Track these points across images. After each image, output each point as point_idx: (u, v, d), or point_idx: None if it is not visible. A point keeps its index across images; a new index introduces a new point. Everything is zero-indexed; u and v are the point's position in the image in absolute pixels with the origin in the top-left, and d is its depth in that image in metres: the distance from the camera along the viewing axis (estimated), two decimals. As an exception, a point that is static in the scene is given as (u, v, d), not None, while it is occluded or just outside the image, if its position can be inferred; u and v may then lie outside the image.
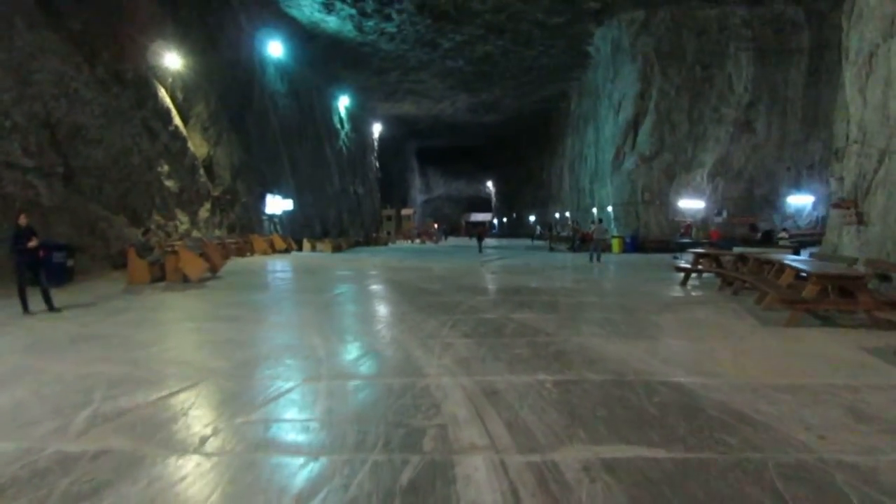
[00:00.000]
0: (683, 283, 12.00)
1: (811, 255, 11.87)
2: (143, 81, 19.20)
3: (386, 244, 44.73)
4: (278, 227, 31.00)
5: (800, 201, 29.40)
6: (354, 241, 40.31)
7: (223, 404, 4.42)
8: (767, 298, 8.18)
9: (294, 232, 33.05)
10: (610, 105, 33.10)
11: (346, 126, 46.15)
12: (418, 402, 4.40)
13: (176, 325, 8.05)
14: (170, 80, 21.27)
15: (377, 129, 54.36)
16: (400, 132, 61.57)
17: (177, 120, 21.42)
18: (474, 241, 49.56)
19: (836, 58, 29.27)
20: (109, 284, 12.32)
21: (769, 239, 18.30)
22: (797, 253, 13.78)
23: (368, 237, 43.73)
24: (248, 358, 5.82)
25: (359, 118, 49.53)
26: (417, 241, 53.17)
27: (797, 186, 29.37)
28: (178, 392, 4.68)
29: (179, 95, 22.21)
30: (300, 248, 30.44)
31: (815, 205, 29.36)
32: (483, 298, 9.96)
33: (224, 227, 24.46)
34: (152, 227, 19.41)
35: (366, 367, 5.52)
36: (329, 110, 42.41)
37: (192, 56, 22.55)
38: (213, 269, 13.76)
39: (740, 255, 10.77)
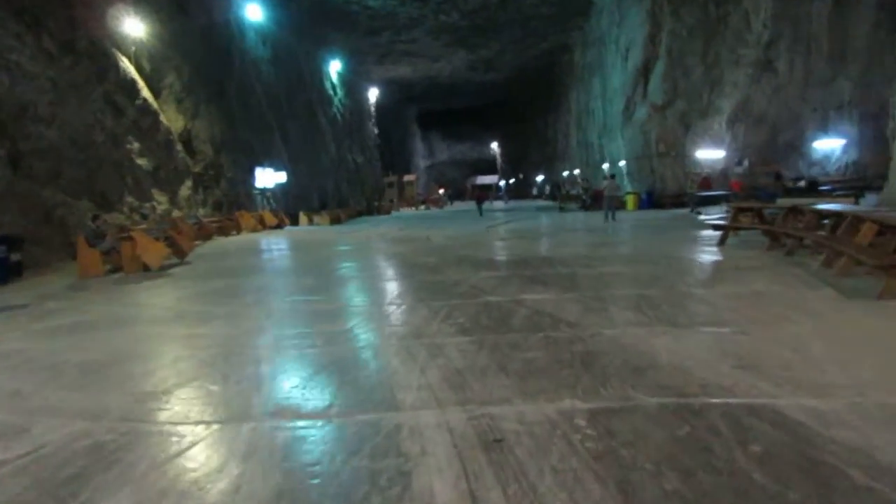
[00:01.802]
0: (721, 242, 10.25)
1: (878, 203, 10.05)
2: (99, 51, 17.33)
3: (389, 213, 43.03)
4: (271, 201, 29.33)
5: (828, 145, 27.24)
6: (356, 212, 38.62)
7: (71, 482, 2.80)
8: (842, 261, 6.46)
9: (290, 205, 31.38)
10: (617, 52, 30.84)
11: (340, 92, 44.05)
12: (378, 467, 2.75)
13: (100, 332, 6.41)
14: (133, 48, 19.39)
15: (374, 94, 52.14)
16: (398, 97, 59.28)
17: (145, 92, 19.61)
18: (484, 205, 47.94)
19: (863, -16, 26.87)
20: (60, 279, 10.73)
21: (814, 187, 16.35)
22: (857, 201, 11.91)
23: (370, 206, 41.99)
24: (145, 392, 4.19)
25: (353, 84, 47.35)
26: (422, 207, 51.42)
27: (824, 130, 27.19)
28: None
29: (146, 66, 20.35)
30: (296, 223, 28.82)
31: (845, 148, 27.22)
32: (487, 274, 8.27)
33: (209, 206, 22.81)
34: (128, 210, 17.81)
35: (315, 395, 3.86)
36: (320, 76, 40.30)
37: (157, 23, 20.64)
38: (181, 254, 12.13)
39: (792, 208, 8.98)
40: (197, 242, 16.52)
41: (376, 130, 53.74)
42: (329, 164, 39.78)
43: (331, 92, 42.16)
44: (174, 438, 3.25)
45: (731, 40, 26.49)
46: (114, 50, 18.10)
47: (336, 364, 4.48)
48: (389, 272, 9.60)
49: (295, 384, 4.07)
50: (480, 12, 35.45)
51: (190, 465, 2.94)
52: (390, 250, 13.38)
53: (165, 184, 20.19)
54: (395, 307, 6.44)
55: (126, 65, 18.74)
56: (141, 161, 18.94)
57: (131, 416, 3.66)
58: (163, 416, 3.64)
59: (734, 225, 10.22)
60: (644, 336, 4.72)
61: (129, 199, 18.17)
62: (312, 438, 3.15)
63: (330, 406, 3.61)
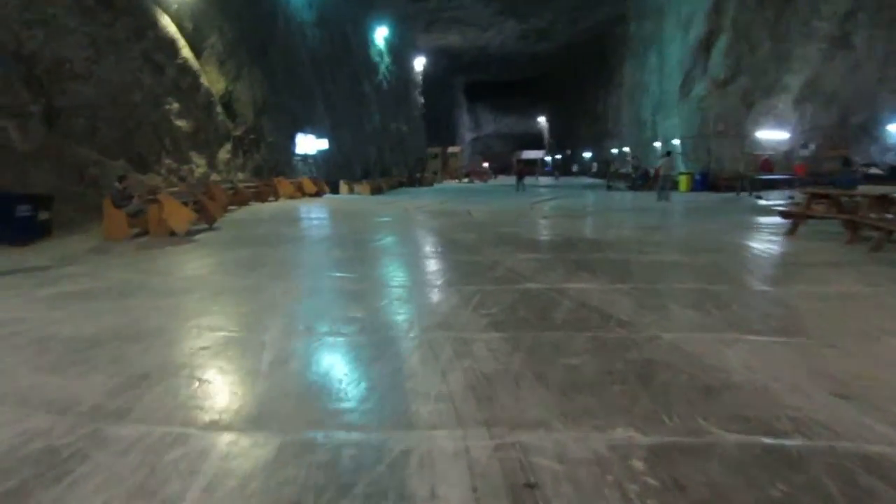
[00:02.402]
0: (792, 232, 9.23)
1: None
2: (139, 8, 16.88)
3: (431, 184, 42.29)
4: (312, 168, 28.93)
5: (904, 130, 25.27)
6: (397, 182, 38.03)
7: None
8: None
9: (331, 173, 30.94)
10: (677, 23, 29.15)
11: (386, 59, 43.18)
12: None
13: (106, 302, 5.91)
14: (174, 6, 18.92)
15: (420, 63, 51.07)
16: (445, 66, 58.05)
17: (186, 52, 19.17)
18: (528, 181, 46.74)
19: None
20: (87, 240, 10.40)
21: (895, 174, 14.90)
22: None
23: (412, 177, 41.32)
24: (125, 380, 3.62)
25: (400, 51, 46.38)
26: (465, 180, 50.52)
27: (901, 112, 25.20)
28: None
29: (188, 25, 19.88)
30: (336, 191, 28.38)
31: (922, 133, 25.21)
32: (527, 256, 7.50)
33: (248, 170, 22.48)
34: (161, 171, 17.54)
35: (314, 403, 3.22)
36: (366, 42, 39.49)
37: (201, -22, 20.12)
38: (210, 220, 11.70)
39: (880, 197, 7.92)
40: (232, 207, 16.16)
41: (422, 100, 52.80)
42: (372, 133, 39.17)
43: (377, 59, 41.34)
44: (138, 449, 2.65)
45: (804, 12, 24.62)
46: (154, 6, 17.66)
47: (345, 361, 3.84)
48: (423, 249, 8.93)
49: (293, 386, 3.44)
50: (534, -22, 34.01)
51: (150, 484, 2.34)
52: (427, 224, 12.71)
53: (204, 146, 19.86)
54: (423, 291, 5.78)
55: (167, 22, 18.30)
56: (180, 122, 18.60)
57: (102, 411, 3.09)
58: (135, 414, 3.06)
59: (807, 213, 9.17)
60: (712, 344, 3.93)
61: (167, 160, 17.88)
62: (297, 466, 2.51)
63: (325, 420, 2.96)
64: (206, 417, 3.00)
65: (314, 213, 16.24)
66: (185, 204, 11.21)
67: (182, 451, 2.63)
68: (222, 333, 4.45)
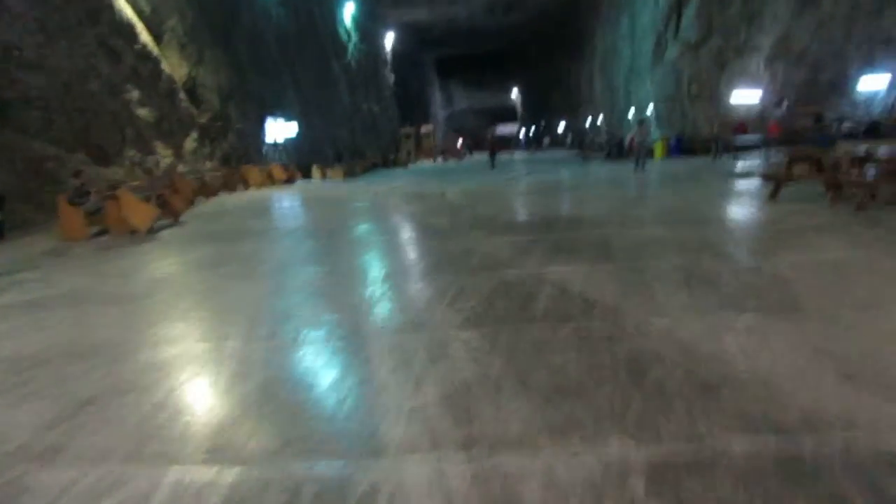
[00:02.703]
0: (773, 195, 9.00)
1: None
2: (88, -11, 16.11)
3: (406, 165, 41.72)
4: (283, 154, 28.26)
5: (872, 85, 25.20)
6: (371, 165, 37.39)
7: None
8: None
9: (302, 158, 30.28)
10: (648, -14, 28.72)
11: (355, 37, 42.20)
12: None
13: (55, 314, 5.48)
14: (129, -12, 18.12)
15: (390, 39, 50.06)
16: (415, 43, 57.05)
17: (144, 36, 18.41)
18: (503, 157, 46.22)
19: None
20: (42, 242, 9.88)
21: (875, 130, 14.71)
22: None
23: (386, 159, 40.67)
24: (62, 410, 3.26)
25: (368, 29, 45.36)
26: (440, 159, 49.95)
27: (870, 65, 25.11)
28: None
29: (145, 8, 19.08)
30: (308, 177, 27.78)
31: (891, 87, 25.20)
32: (503, 240, 7.18)
33: (217, 159, 21.83)
34: (123, 165, 16.92)
35: (274, 429, 2.88)
36: (333, 20, 38.49)
37: (156, -41, 19.24)
38: (174, 215, 11.20)
39: (866, 156, 7.69)
40: (199, 199, 15.62)
41: (393, 78, 51.87)
42: (343, 115, 38.39)
43: (345, 37, 40.37)
44: (64, 502, 2.31)
45: (772, -30, 24.31)
46: (106, -10, 16.86)
47: (311, 375, 3.50)
48: (396, 237, 8.55)
49: (253, 407, 3.10)
50: (500, -53, 33.22)
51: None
52: (401, 209, 12.33)
53: (169, 136, 19.19)
54: (397, 285, 5.43)
55: (122, 5, 17.49)
56: (141, 111, 17.91)
57: (30, 450, 2.74)
58: (69, 451, 2.71)
59: (788, 175, 8.94)
60: (706, 329, 3.66)
61: (130, 152, 17.23)
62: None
63: (287, 448, 2.64)
64: (153, 450, 2.66)
65: (284, 202, 15.74)
66: (147, 199, 10.70)
67: (118, 499, 2.30)
68: (179, 345, 4.09)
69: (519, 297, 4.62)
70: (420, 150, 51.28)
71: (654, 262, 5.48)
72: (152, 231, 9.98)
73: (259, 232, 9.86)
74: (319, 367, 3.55)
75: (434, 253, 6.86)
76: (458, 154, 51.95)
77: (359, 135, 41.22)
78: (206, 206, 14.57)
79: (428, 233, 8.56)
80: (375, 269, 6.30)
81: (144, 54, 18.21)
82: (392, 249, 7.47)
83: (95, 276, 6.81)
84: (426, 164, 45.25)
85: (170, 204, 11.19)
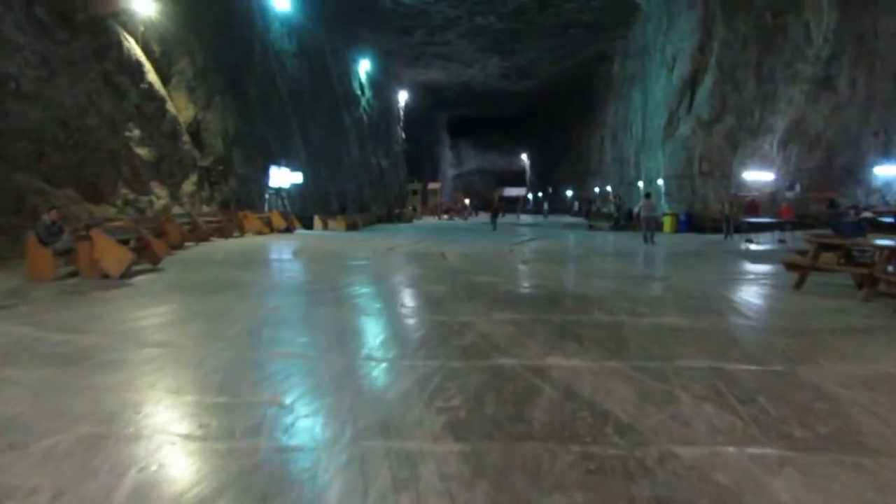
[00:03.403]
0: (798, 286, 8.27)
1: None
2: (100, 27, 15.91)
3: (410, 220, 41.36)
4: (286, 202, 27.81)
5: (889, 172, 24.87)
6: (375, 218, 37.03)
7: None
8: None
9: (306, 208, 29.86)
10: (662, 62, 28.83)
11: (368, 93, 42.56)
12: None
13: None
14: (141, 28, 17.98)
15: (403, 97, 50.61)
16: (428, 102, 57.72)
17: (151, 76, 18.17)
18: (509, 218, 45.93)
19: (939, -1, 24.52)
20: (6, 280, 9.13)
21: None
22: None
23: (391, 213, 40.33)
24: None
25: (382, 85, 45.85)
26: (445, 217, 49.71)
27: (886, 155, 24.82)
28: None
29: (156, 48, 18.94)
30: (310, 226, 27.24)
31: (907, 176, 24.86)
32: (502, 317, 6.42)
33: (215, 203, 21.32)
34: (115, 203, 16.37)
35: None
36: (347, 75, 38.83)
37: (171, 3, 19.20)
38: (154, 259, 10.50)
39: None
40: (189, 244, 14.96)
41: (403, 135, 52.18)
42: (351, 167, 38.25)
43: (358, 92, 40.68)
44: None
45: (788, 54, 24.34)
46: (117, 27, 16.68)
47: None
48: (385, 304, 7.76)
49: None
50: (518, 16, 33.70)
51: None
52: (396, 269, 11.63)
53: (168, 177, 18.72)
54: (370, 369, 4.64)
55: (131, 44, 17.31)
56: (141, 151, 17.49)
57: None
58: None
59: (814, 265, 8.23)
60: (749, 466, 2.86)
61: (124, 190, 16.70)
62: None
63: None
64: None
65: (277, 253, 15.04)
66: (126, 242, 10.02)
67: None
68: (84, 426, 3.28)
69: (514, 397, 3.83)
70: (426, 206, 51.16)
71: (673, 361, 4.70)
72: (126, 276, 9.24)
73: (241, 285, 9.10)
74: (252, 498, 2.74)
75: (424, 327, 6.09)
76: (462, 213, 51.77)
77: (365, 188, 41.02)
78: (193, 251, 13.89)
79: (422, 301, 7.82)
80: (353, 343, 5.51)
81: (150, 94, 17.92)
82: (379, 319, 6.70)
83: (41, 327, 6.02)
84: (431, 220, 44.97)
85: (151, 247, 10.49)
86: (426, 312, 6.95)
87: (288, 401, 3.85)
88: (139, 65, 17.54)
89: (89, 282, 8.96)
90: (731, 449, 3.08)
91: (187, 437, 3.26)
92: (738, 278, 10.04)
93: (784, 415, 3.56)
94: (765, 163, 25.30)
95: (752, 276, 10.27)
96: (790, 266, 8.60)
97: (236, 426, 3.40)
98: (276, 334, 5.80)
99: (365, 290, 8.87)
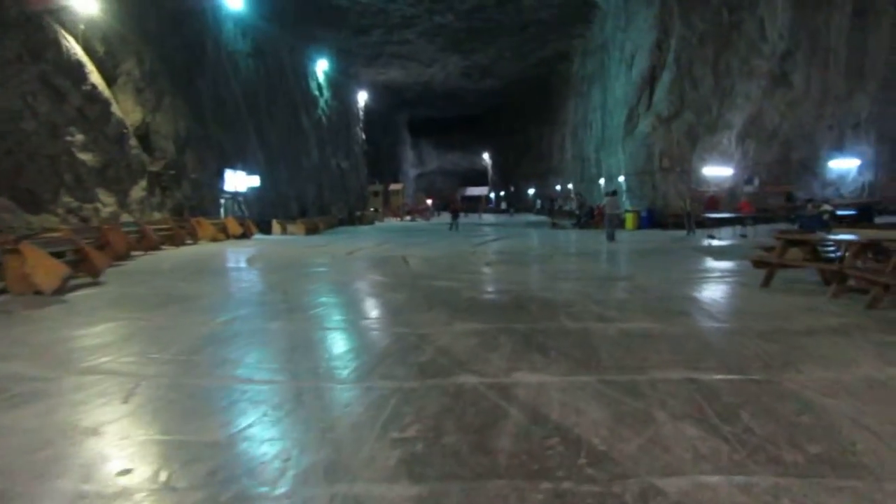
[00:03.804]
0: (766, 283, 8.11)
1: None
2: (35, 24, 15.04)
3: (372, 222, 40.78)
4: (242, 206, 27.02)
5: (843, 165, 25.38)
6: (336, 221, 36.35)
7: None
8: None
9: (265, 212, 29.09)
10: (621, 59, 28.89)
11: (326, 93, 41.83)
12: None
13: None
14: (81, 27, 17.12)
15: (363, 97, 49.93)
16: (389, 102, 57.14)
17: (95, 77, 17.32)
18: (471, 218, 45.72)
19: (886, -4, 25.09)
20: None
21: (868, 215, 14.06)
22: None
23: (352, 215, 39.68)
24: None
25: (341, 85, 45.14)
26: (408, 218, 49.25)
27: (840, 149, 25.32)
28: None
29: (99, 48, 18.10)
30: (268, 231, 26.51)
31: (860, 169, 25.39)
32: (464, 327, 6.04)
33: (167, 209, 20.50)
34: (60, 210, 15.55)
35: None
36: (305, 75, 38.07)
37: (116, 1, 18.34)
38: (94, 271, 9.84)
39: (868, 244, 6.84)
40: (136, 253, 14.23)
41: (364, 136, 51.48)
42: (311, 169, 37.50)
43: (316, 92, 39.92)
44: None
45: (744, 50, 24.63)
46: (55, 25, 15.81)
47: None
48: (341, 317, 7.30)
49: None
50: (477, 13, 33.43)
51: None
52: (356, 276, 11.19)
53: (114, 183, 17.89)
54: (319, 393, 4.21)
55: (71, 44, 16.45)
56: (85, 156, 16.64)
57: None
58: None
59: (782, 262, 8.07)
60: (740, 500, 2.54)
61: (66, 198, 15.88)
62: None
63: None
64: None
65: (230, 261, 14.40)
66: (61, 254, 9.35)
67: None
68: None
69: (476, 423, 3.45)
70: (388, 207, 50.63)
71: (648, 373, 4.38)
72: (61, 292, 8.59)
73: (188, 298, 8.52)
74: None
75: (381, 341, 5.68)
76: (425, 214, 51.39)
77: (326, 190, 40.30)
78: (141, 261, 13.18)
79: (380, 312, 7.41)
80: (304, 363, 5.04)
81: (93, 96, 17.08)
82: (334, 334, 6.25)
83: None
84: (393, 221, 44.50)
85: (90, 259, 9.82)
86: (384, 324, 6.53)
87: (224, 437, 3.40)
88: (80, 65, 16.70)
89: (19, 299, 8.29)
90: (717, 479, 2.75)
91: (100, 493, 2.79)
92: (704, 276, 9.87)
93: (771, 433, 3.25)
94: (723, 158, 25.55)
95: (718, 274, 10.11)
96: (757, 263, 8.43)
97: (161, 471, 2.94)
98: (221, 354, 5.31)
99: (321, 300, 8.37)
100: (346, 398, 4.05)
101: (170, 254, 15.06)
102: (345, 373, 4.61)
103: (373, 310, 7.57)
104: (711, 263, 11.81)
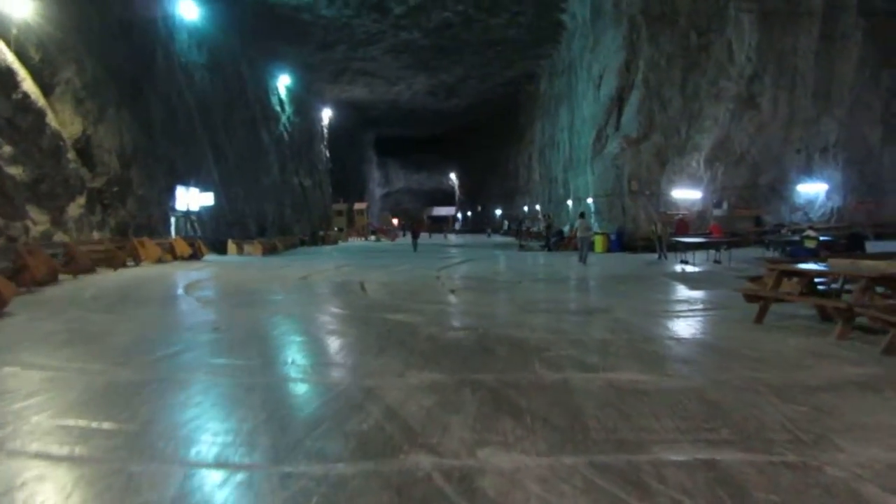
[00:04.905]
0: (759, 319, 7.27)
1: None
2: (-45, 26, 13.71)
3: (335, 242, 39.55)
4: (196, 225, 25.59)
5: (811, 190, 25.19)
6: (298, 241, 35.08)
7: None
8: None
9: (220, 231, 27.68)
10: (589, 79, 28.46)
11: (289, 109, 40.66)
12: None
13: None
14: (14, 31, 15.77)
15: (327, 114, 48.86)
16: (354, 120, 56.20)
17: (27, 86, 15.94)
18: (438, 239, 44.79)
19: (851, 20, 25.20)
20: None
21: (859, 243, 13.47)
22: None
23: (315, 235, 38.39)
24: None
25: (304, 101, 44.01)
26: (372, 237, 48.13)
27: (808, 173, 25.15)
28: None
29: (34, 55, 16.69)
30: (223, 251, 25.14)
31: (828, 194, 25.23)
32: (419, 379, 5.00)
33: (109, 228, 19.05)
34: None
35: None
36: (265, 90, 36.88)
37: (55, 5, 17.03)
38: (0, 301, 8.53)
39: (881, 277, 6.04)
40: (64, 278, 12.85)
41: (328, 154, 50.32)
42: (271, 187, 36.16)
43: (277, 108, 38.72)
44: None
45: (712, 72, 24.37)
46: (-20, 28, 14.49)
47: None
48: (267, 366, 6.07)
49: None
50: (443, 31, 32.81)
51: None
52: (301, 307, 10.04)
53: (48, 199, 16.43)
54: (219, 487, 3.12)
55: (0, 49, 15.09)
56: (14, 170, 15.22)
57: None
58: None
59: (776, 295, 7.24)
60: None
61: (-11, 216, 14.42)
62: None
63: None
64: None
65: (167, 287, 13.00)
66: (-43, 282, 8.05)
67: None
68: None
69: (426, 549, 2.42)
70: (353, 227, 49.46)
71: (649, 450, 3.41)
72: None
73: (96, 337, 7.25)
74: None
75: (315, 400, 4.61)
76: (390, 234, 50.33)
77: (287, 209, 38.97)
78: (64, 287, 11.82)
79: (320, 357, 6.31)
80: (207, 436, 3.94)
81: (25, 105, 15.71)
82: (255, 392, 5.07)
83: None
84: (358, 242, 43.34)
85: (-6, 288, 8.52)
86: (323, 374, 5.45)
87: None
88: (10, 72, 15.33)
89: None
90: None
91: None
92: (688, 309, 9.01)
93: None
94: (692, 181, 25.14)
95: (701, 306, 9.28)
96: (750, 297, 7.59)
97: None
98: (100, 420, 4.17)
99: (252, 341, 7.12)
100: (252, 496, 2.97)
101: (102, 278, 13.69)
102: (257, 452, 3.52)
103: (314, 354, 6.46)
104: (691, 293, 11.01)
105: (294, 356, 6.26)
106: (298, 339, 7.27)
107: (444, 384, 4.79)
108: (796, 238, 14.77)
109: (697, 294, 10.77)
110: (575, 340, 6.49)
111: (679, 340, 6.61)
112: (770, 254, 17.37)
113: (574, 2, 28.80)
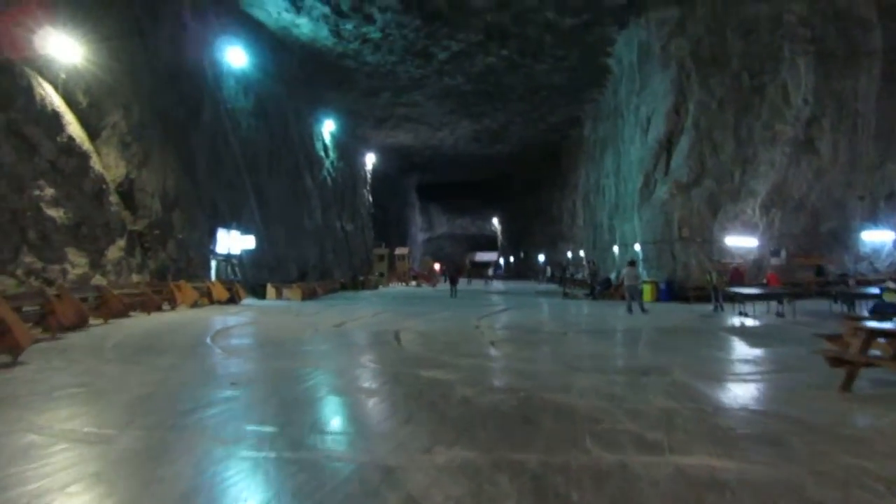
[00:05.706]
0: (846, 387, 6.28)
1: None
2: (4, 70, 13.91)
3: (376, 287, 39.18)
4: (236, 269, 25.50)
5: (877, 238, 23.63)
6: (338, 285, 34.82)
7: None
8: None
9: (260, 275, 27.58)
10: (636, 123, 27.74)
11: (333, 154, 41.04)
12: None
13: None
14: (62, 75, 16.05)
15: (371, 159, 49.26)
16: (398, 165, 56.57)
17: (73, 129, 16.13)
18: (479, 285, 44.06)
19: (916, 61, 23.94)
20: None
21: None
22: None
23: (355, 279, 38.12)
24: None
25: (348, 147, 44.45)
26: (413, 283, 47.66)
27: (873, 220, 23.63)
28: None
29: (82, 99, 16.98)
30: (262, 295, 24.91)
31: (896, 243, 23.64)
32: (448, 458, 4.23)
33: (149, 271, 18.96)
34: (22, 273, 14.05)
35: None
36: (310, 135, 37.30)
37: (105, 50, 17.34)
38: (15, 348, 8.13)
39: None
40: (95, 322, 12.57)
41: (371, 198, 50.53)
42: (313, 231, 36.21)
43: (321, 153, 39.09)
44: None
45: (766, 115, 23.34)
46: (30, 71, 14.71)
47: None
48: (279, 435, 5.38)
49: None
50: (487, 76, 32.74)
51: None
52: (328, 360, 9.39)
53: (88, 242, 16.42)
54: None
55: (47, 92, 15.32)
56: (54, 212, 15.25)
57: None
58: None
59: (866, 359, 6.25)
60: None
61: (28, 258, 14.37)
62: None
63: None
64: None
65: (195, 335, 12.33)
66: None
67: None
68: None
69: None
70: (394, 272, 49.16)
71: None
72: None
73: (107, 392, 6.75)
74: None
75: (324, 485, 3.87)
76: (431, 280, 49.75)
77: (329, 253, 38.92)
78: (92, 333, 11.47)
79: (342, 423, 5.62)
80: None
81: (70, 148, 15.84)
82: (262, 468, 4.38)
83: None
84: (398, 287, 42.91)
85: (11, 334, 8.14)
86: (338, 447, 4.72)
87: None
88: (57, 115, 15.52)
89: None
90: None
91: None
92: (756, 371, 8.01)
93: None
94: (747, 228, 23.90)
95: (772, 367, 8.26)
96: (834, 361, 6.58)
97: None
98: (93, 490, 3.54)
99: (269, 401, 6.41)
100: None
101: (133, 323, 13.36)
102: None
103: (332, 420, 5.75)
104: (757, 351, 9.95)
105: (311, 421, 5.55)
106: (319, 399, 6.58)
107: (478, 466, 4.01)
108: (874, 290, 13.48)
109: (764, 353, 9.71)
110: (631, 410, 5.61)
111: (756, 413, 5.66)
112: (838, 307, 16.04)
113: (620, 46, 28.35)
